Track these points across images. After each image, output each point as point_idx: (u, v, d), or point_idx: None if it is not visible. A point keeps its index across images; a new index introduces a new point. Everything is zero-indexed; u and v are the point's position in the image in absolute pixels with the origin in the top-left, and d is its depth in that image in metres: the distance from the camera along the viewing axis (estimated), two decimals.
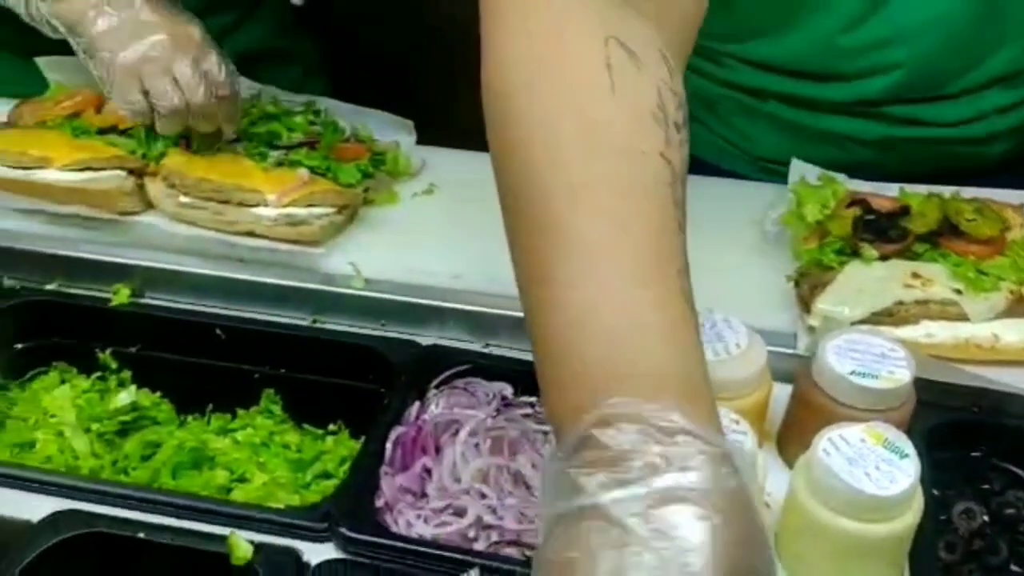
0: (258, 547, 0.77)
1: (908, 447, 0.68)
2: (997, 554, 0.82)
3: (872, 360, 0.76)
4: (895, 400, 0.75)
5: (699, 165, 0.92)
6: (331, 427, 1.02)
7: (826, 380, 0.76)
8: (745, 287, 0.98)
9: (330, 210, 1.02)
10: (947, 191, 0.98)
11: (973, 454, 0.86)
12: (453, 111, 2.06)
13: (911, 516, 0.67)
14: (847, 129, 1.09)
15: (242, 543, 0.77)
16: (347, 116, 1.17)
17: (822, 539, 0.68)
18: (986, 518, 0.84)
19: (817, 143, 1.10)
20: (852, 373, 0.75)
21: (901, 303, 0.87)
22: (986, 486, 0.86)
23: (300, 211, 1.00)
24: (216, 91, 1.00)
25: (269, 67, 1.36)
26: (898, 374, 0.75)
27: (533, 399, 0.93)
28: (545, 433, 0.90)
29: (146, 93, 0.99)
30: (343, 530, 0.77)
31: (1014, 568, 0.82)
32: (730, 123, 1.16)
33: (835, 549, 0.68)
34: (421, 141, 1.21)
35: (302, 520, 0.79)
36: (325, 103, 1.17)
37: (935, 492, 0.86)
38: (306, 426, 1.03)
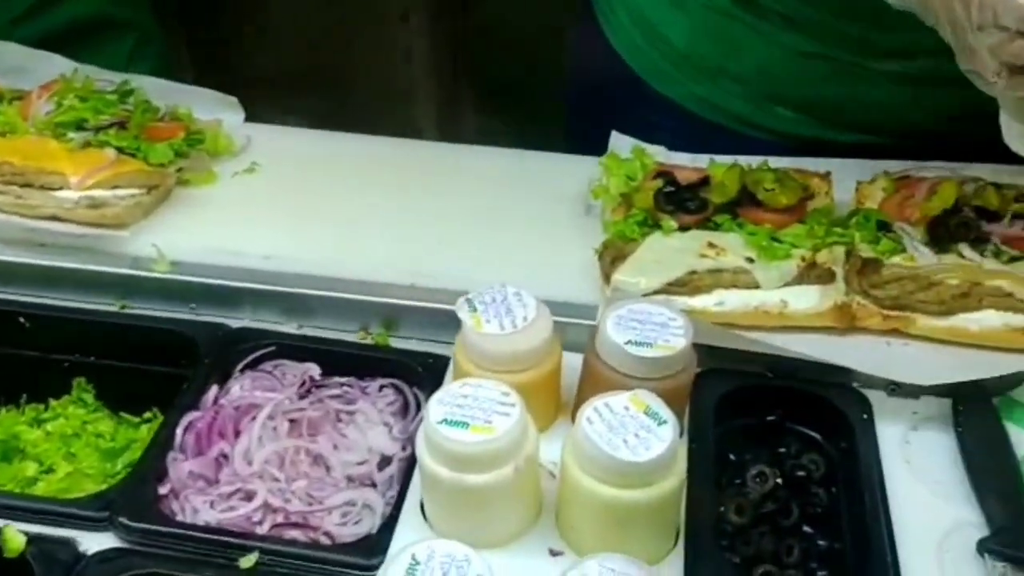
0: (32, 538, 0.75)
1: (666, 413, 0.68)
2: (788, 516, 0.83)
3: (651, 329, 0.76)
4: (671, 367, 0.76)
5: None
6: (147, 415, 1.00)
7: (605, 350, 0.76)
8: (560, 260, 0.98)
9: (137, 191, 0.99)
10: (756, 161, 0.99)
11: (769, 418, 0.88)
12: (284, 82, 2.03)
13: (671, 481, 0.68)
14: None
15: (15, 535, 0.75)
16: (168, 94, 1.14)
17: (587, 506, 0.69)
18: (779, 480, 0.85)
19: None
20: (628, 343, 0.75)
21: (694, 273, 0.87)
22: (782, 449, 0.87)
23: (103, 193, 0.97)
24: None
25: (101, 36, 1.32)
26: (673, 342, 0.75)
27: (343, 379, 0.92)
28: (351, 413, 0.89)
29: None
30: (122, 519, 0.76)
31: (805, 529, 0.84)
32: None
33: (599, 515, 0.69)
34: (252, 118, 1.18)
35: (81, 510, 0.77)
36: (143, 82, 1.14)
37: (731, 456, 0.87)
38: (123, 414, 1.01)
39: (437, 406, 0.70)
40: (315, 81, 2.07)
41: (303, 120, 1.25)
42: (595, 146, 1.09)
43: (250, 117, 1.18)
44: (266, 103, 1.25)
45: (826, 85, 1.07)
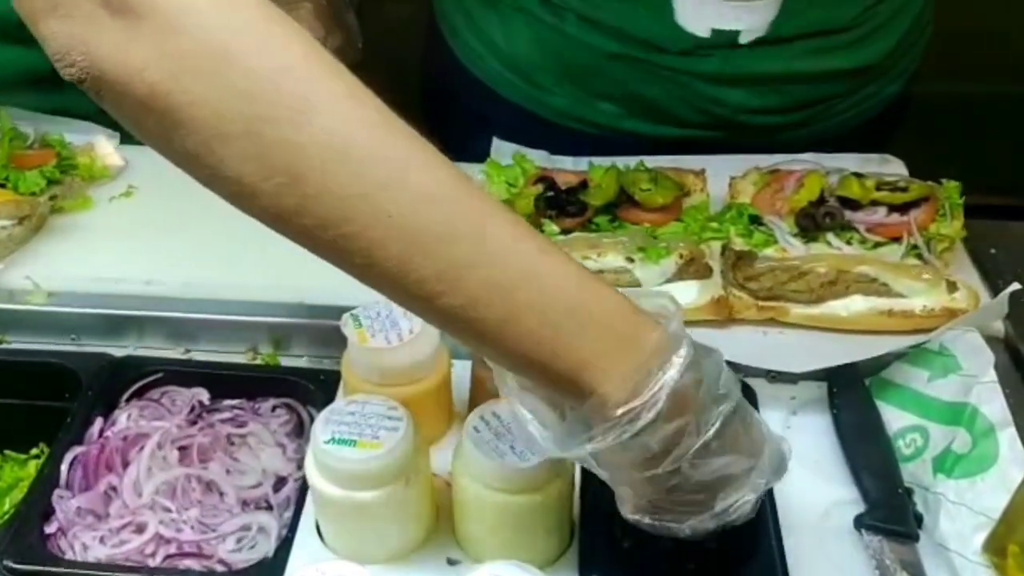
0: None
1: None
2: None
3: None
4: None
5: None
6: (34, 451, 0.97)
7: None
8: None
9: (8, 222, 0.97)
10: (633, 162, 1.02)
11: None
12: None
13: (560, 482, 0.69)
14: None
15: None
16: (38, 122, 1.11)
17: (479, 513, 0.70)
18: None
19: None
20: None
21: None
22: None
23: None
24: None
25: None
26: None
27: (234, 401, 0.91)
28: (243, 436, 0.88)
29: None
30: (7, 562, 0.73)
31: None
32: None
33: (491, 522, 0.70)
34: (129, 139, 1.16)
35: None
36: (11, 111, 1.10)
37: None
38: (8, 452, 0.98)
39: (324, 425, 0.70)
40: None
41: None
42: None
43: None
44: None
45: (641, 83, 1.10)
